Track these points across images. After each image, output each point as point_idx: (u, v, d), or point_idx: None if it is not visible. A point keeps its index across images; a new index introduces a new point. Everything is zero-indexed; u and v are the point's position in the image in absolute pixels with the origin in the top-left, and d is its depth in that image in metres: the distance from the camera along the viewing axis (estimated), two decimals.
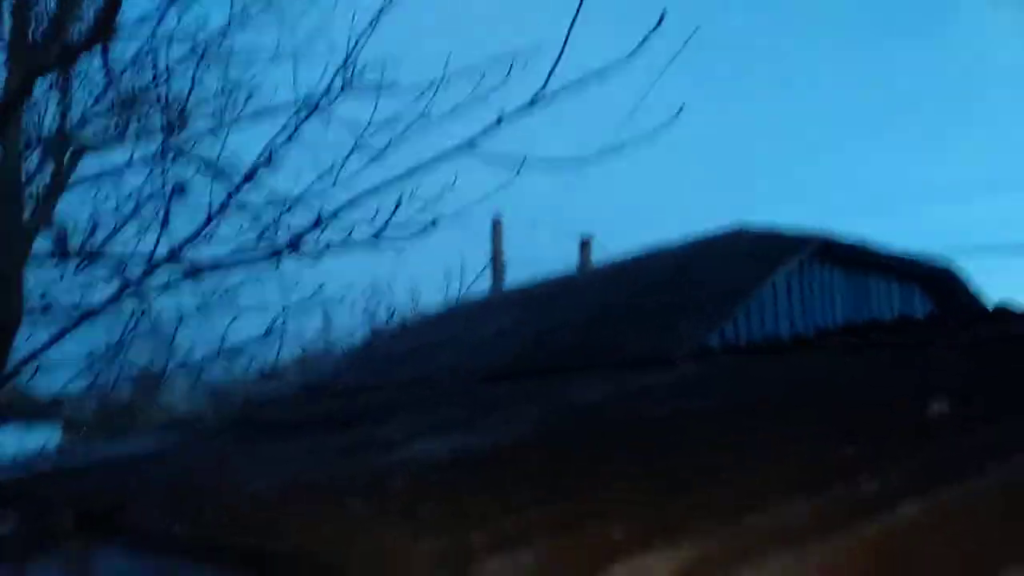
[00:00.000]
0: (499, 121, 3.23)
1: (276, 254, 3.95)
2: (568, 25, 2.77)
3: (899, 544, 1.07)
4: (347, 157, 4.38)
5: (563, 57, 2.88)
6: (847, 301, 10.00)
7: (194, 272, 4.40)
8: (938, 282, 10.90)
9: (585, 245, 17.15)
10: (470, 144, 3.31)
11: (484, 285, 17.82)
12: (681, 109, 2.94)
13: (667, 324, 7.86)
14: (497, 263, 18.13)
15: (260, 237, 4.30)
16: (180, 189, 4.45)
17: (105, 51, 3.73)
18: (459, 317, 12.68)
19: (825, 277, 9.80)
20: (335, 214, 3.81)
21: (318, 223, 3.77)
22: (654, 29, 2.70)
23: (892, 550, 1.06)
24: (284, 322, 4.36)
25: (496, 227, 18.14)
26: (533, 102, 3.09)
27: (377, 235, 3.89)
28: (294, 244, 3.86)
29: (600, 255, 17.50)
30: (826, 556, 1.02)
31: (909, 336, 4.58)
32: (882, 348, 4.54)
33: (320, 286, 4.57)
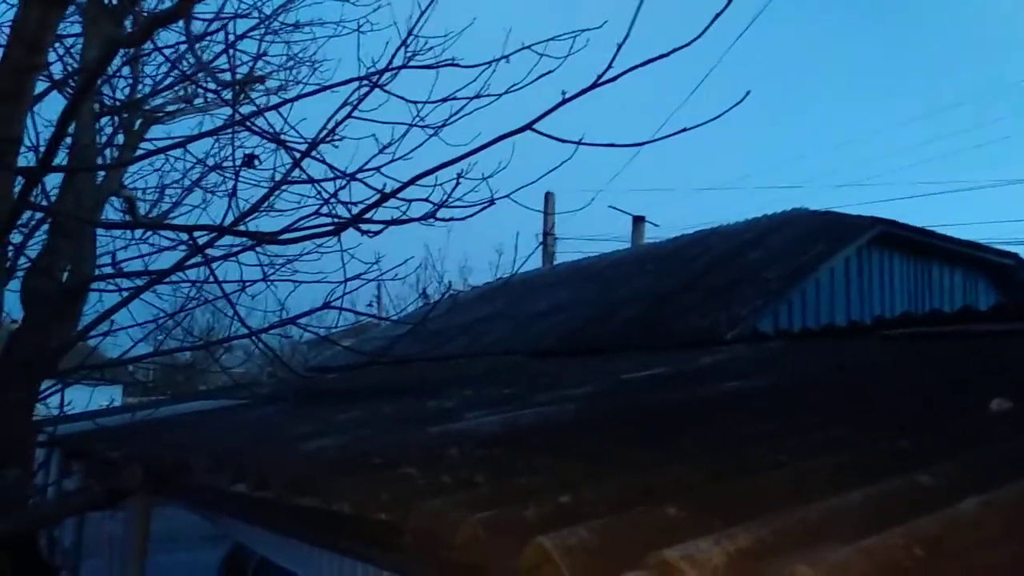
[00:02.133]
0: (563, 101, 3.21)
1: (338, 227, 4.01)
2: (634, 8, 2.74)
3: (956, 540, 1.07)
4: (405, 133, 4.41)
5: (626, 37, 2.85)
6: (908, 289, 9.77)
7: (256, 242, 4.50)
8: (1005, 272, 10.56)
9: (639, 223, 16.98)
10: (530, 125, 3.31)
11: (536, 262, 17.84)
12: (747, 95, 2.90)
13: (721, 305, 7.79)
14: (548, 239, 18.09)
15: (320, 210, 4.36)
16: (250, 159, 4.53)
17: (187, 24, 3.79)
18: (511, 292, 12.75)
19: (885, 264, 9.58)
20: (396, 191, 3.84)
21: (382, 199, 3.80)
22: (723, 10, 2.65)
23: (948, 546, 1.06)
24: (343, 293, 4.44)
25: (548, 200, 18.08)
26: (597, 83, 3.07)
27: (435, 211, 3.92)
28: (356, 218, 3.91)
29: (654, 233, 17.36)
30: (881, 550, 1.02)
31: (972, 327, 4.47)
32: (944, 339, 4.45)
33: (377, 259, 4.64)
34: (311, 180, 4.46)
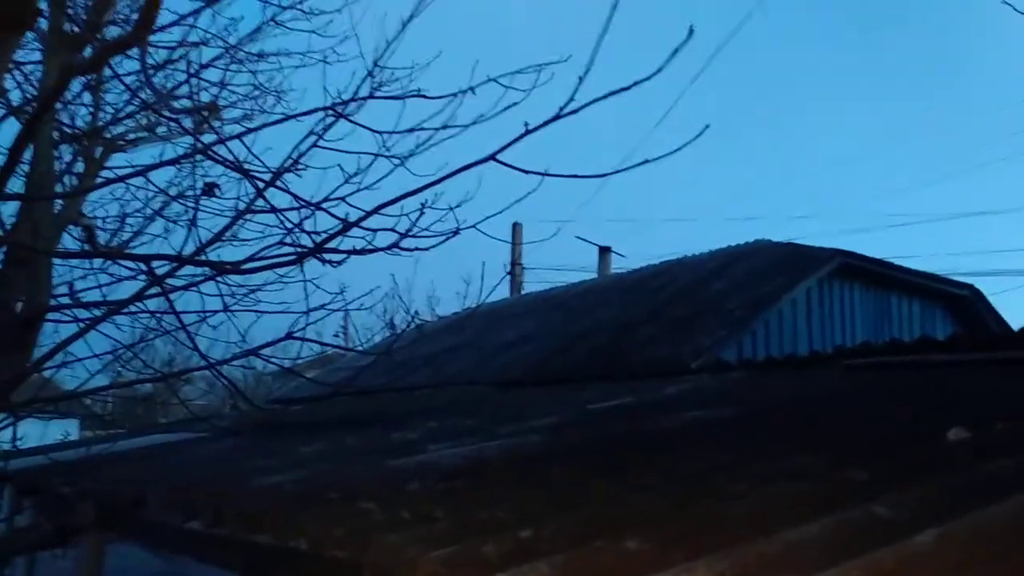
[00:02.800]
0: (524, 133, 3.23)
1: (300, 257, 3.97)
2: (596, 39, 2.78)
3: (912, 573, 1.06)
4: (371, 163, 4.40)
5: (588, 70, 2.88)
6: (868, 319, 9.92)
7: (217, 272, 4.43)
8: (961, 303, 10.78)
9: (605, 253, 17.08)
10: (494, 155, 3.32)
11: (503, 292, 17.84)
12: (706, 128, 2.94)
13: (685, 335, 7.85)
14: (516, 269, 18.11)
15: (283, 240, 4.32)
16: (211, 188, 4.47)
17: (143, 52, 3.76)
18: (477, 322, 12.73)
19: (846, 294, 9.74)
20: (359, 220, 3.82)
21: (345, 228, 3.77)
22: (683, 44, 2.69)
23: None
24: (306, 324, 4.38)
25: (516, 231, 18.13)
26: (559, 115, 3.09)
27: (399, 241, 3.89)
28: (318, 248, 3.87)
29: (621, 264, 17.46)
30: None
31: (930, 357, 4.53)
32: (902, 368, 4.51)
33: (342, 289, 4.59)
34: (274, 210, 4.42)
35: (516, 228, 18.17)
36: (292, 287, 4.73)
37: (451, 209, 4.12)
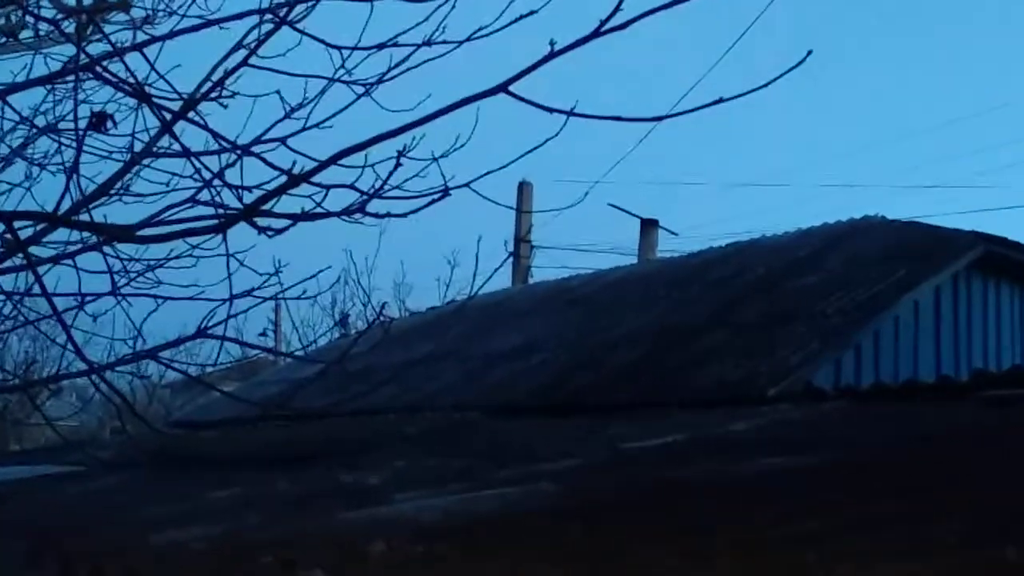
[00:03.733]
0: (548, 56, 3.22)
1: (222, 222, 3.98)
2: None
3: None
4: (324, 91, 4.40)
5: None
6: (1020, 332, 9.90)
7: (105, 239, 4.45)
8: None
9: (649, 228, 17.05)
10: (505, 85, 3.32)
11: (503, 279, 17.85)
12: (809, 55, 2.95)
13: (761, 348, 7.84)
14: (522, 247, 18.12)
15: (198, 196, 4.32)
16: (98, 119, 4.47)
17: None
18: (467, 322, 12.69)
19: (990, 296, 9.71)
20: (308, 172, 3.82)
21: (288, 184, 3.78)
22: None
23: None
24: (227, 316, 4.39)
25: (523, 193, 18.09)
26: (600, 30, 3.08)
27: (363, 203, 3.90)
28: (249, 210, 3.87)
29: (670, 245, 17.51)
30: None
31: None
32: None
33: (278, 269, 4.60)
34: (187, 153, 4.43)
35: (524, 189, 18.19)
36: (208, 264, 4.73)
37: (436, 160, 4.13)
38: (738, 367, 7.56)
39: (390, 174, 3.84)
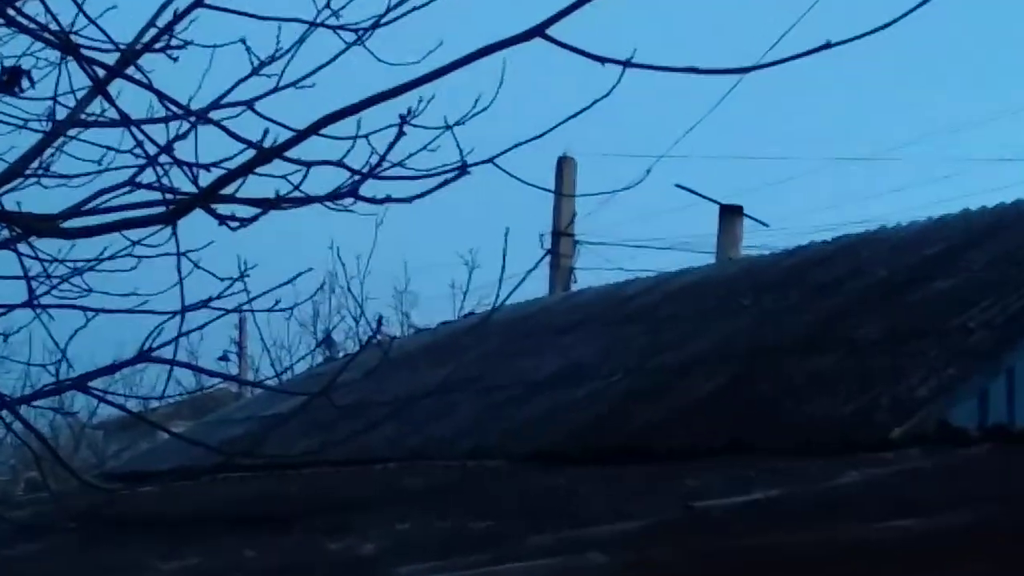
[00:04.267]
0: None
1: (170, 210, 3.99)
2: None
3: None
4: (303, 38, 4.42)
5: None
6: None
7: (18, 232, 4.48)
8: None
9: (730, 217, 16.92)
10: (541, 29, 3.32)
11: (538, 286, 17.81)
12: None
13: (881, 375, 7.76)
14: (562, 242, 18.10)
15: (139, 177, 4.35)
16: (13, 76, 4.51)
17: None
18: (490, 341, 12.64)
19: None
20: (281, 146, 3.83)
21: (257, 160, 3.79)
22: None
23: None
24: (177, 334, 4.40)
25: (564, 171, 18.04)
26: None
27: (356, 185, 3.91)
28: (206, 194, 3.88)
29: (757, 239, 17.43)
30: None
31: None
32: None
33: (243, 272, 4.62)
34: (125, 121, 4.45)
35: (565, 168, 18.17)
36: (153, 266, 4.74)
37: (449, 128, 4.13)
38: (850, 400, 7.51)
39: (390, 147, 3.85)
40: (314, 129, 3.82)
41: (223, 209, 4.01)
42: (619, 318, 11.71)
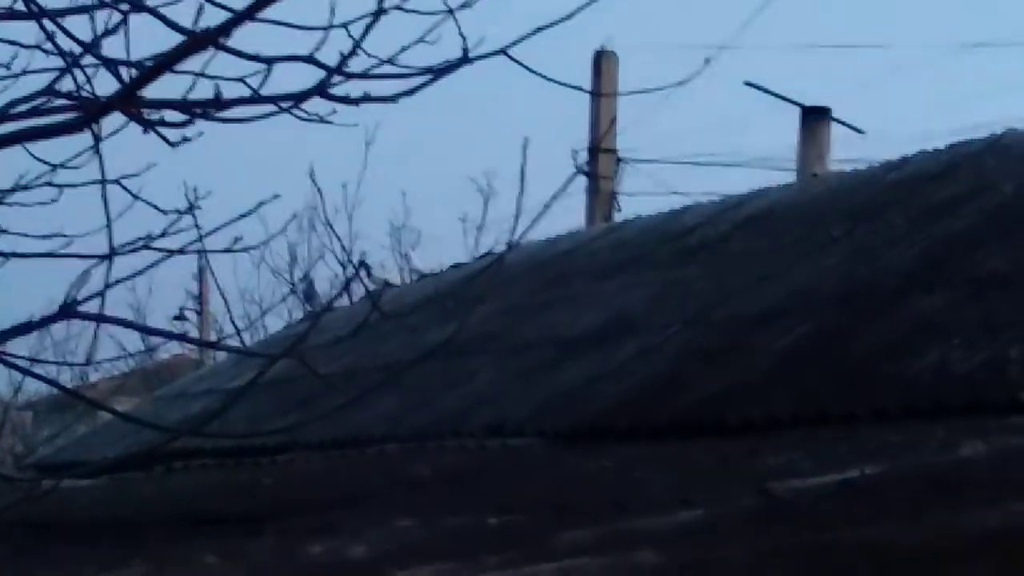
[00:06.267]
0: None
1: (87, 112, 3.97)
2: None
3: None
4: None
5: None
6: None
7: None
8: None
9: (816, 122, 16.78)
10: None
11: (572, 214, 17.80)
12: None
13: (1009, 320, 7.70)
14: (600, 159, 18.10)
15: (57, 83, 4.33)
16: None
17: None
18: (512, 287, 12.58)
19: None
20: (224, 26, 3.79)
21: (191, 46, 3.75)
22: None
23: None
24: (106, 283, 4.39)
25: (603, 67, 17.97)
26: None
27: (326, 83, 3.87)
28: (128, 92, 3.85)
29: (852, 152, 17.35)
30: None
31: None
32: None
33: (193, 204, 4.60)
34: (40, 13, 4.43)
35: (603, 63, 18.12)
36: (75, 193, 4.71)
37: (451, 12, 4.07)
38: (971, 352, 7.49)
39: (366, 31, 3.80)
40: (258, 6, 3.77)
41: (157, 116, 3.99)
42: (675, 256, 11.69)
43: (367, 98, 3.92)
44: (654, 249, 12.27)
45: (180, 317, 35.34)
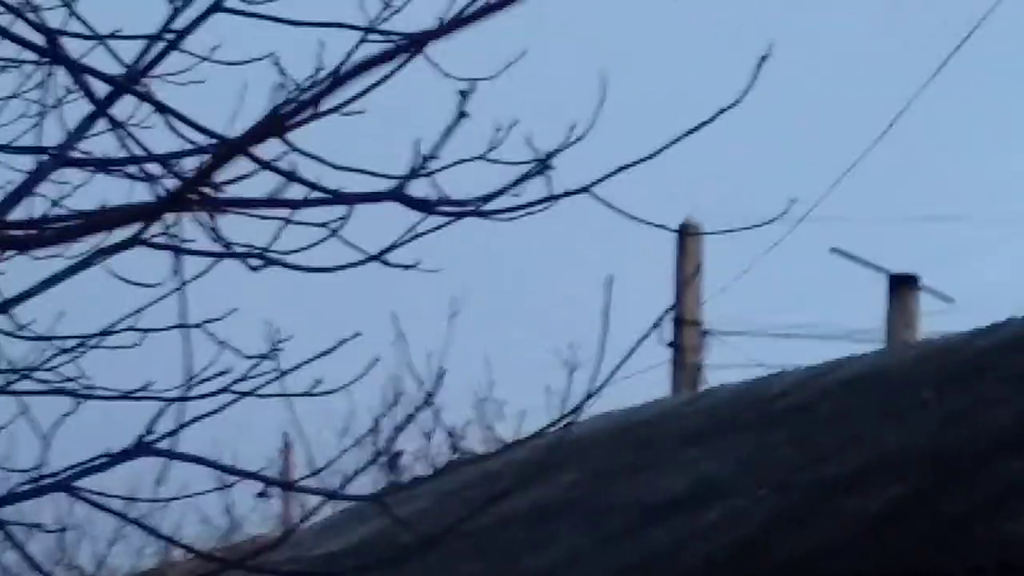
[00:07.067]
0: None
1: (155, 203, 4.00)
2: None
3: None
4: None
5: None
6: None
7: None
8: None
9: (903, 291, 16.71)
10: None
11: (658, 383, 17.73)
12: None
13: None
14: (686, 332, 18.11)
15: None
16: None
17: None
18: (596, 456, 12.49)
19: None
20: (246, 133, 3.80)
21: (225, 153, 3.77)
22: None
23: None
24: (175, 426, 4.37)
25: (686, 241, 18.01)
26: None
27: (401, 184, 3.87)
28: (196, 181, 3.85)
29: (942, 323, 17.23)
30: None
31: None
32: None
33: (275, 346, 4.60)
34: (135, 157, 4.47)
35: (686, 237, 18.15)
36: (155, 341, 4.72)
37: (543, 164, 4.08)
38: None
39: (447, 133, 3.80)
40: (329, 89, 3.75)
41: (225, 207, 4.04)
42: (762, 422, 11.59)
43: (462, 207, 3.92)
44: (740, 415, 12.18)
45: (263, 495, 35.09)
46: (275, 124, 3.74)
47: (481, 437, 22.36)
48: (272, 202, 4.01)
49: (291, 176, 3.92)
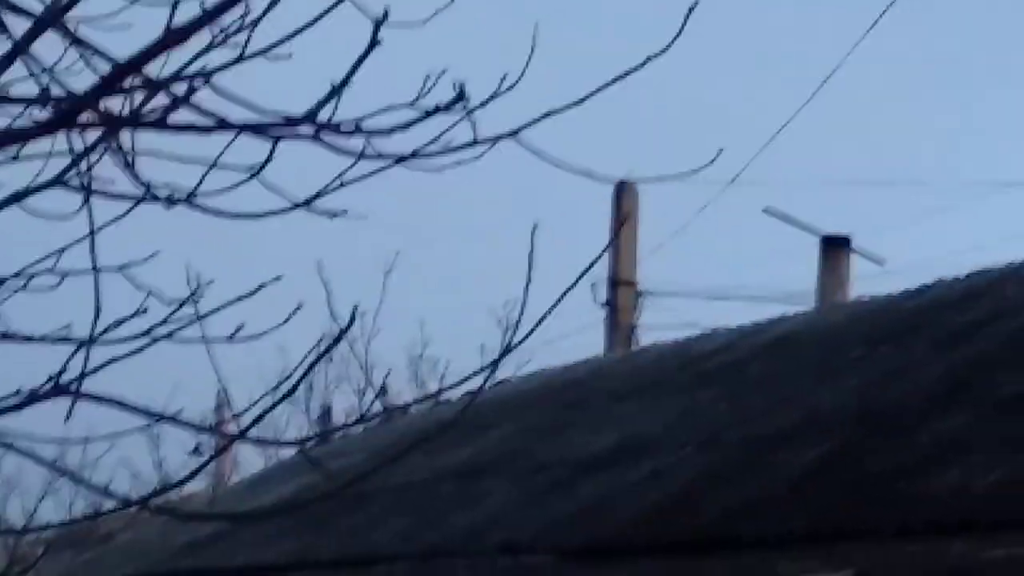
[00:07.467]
0: None
1: (53, 117, 3.95)
2: None
3: None
4: None
5: None
6: None
7: None
8: None
9: (835, 253, 16.78)
10: None
11: (591, 340, 17.76)
12: None
13: None
14: (622, 290, 18.14)
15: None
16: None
17: None
18: (528, 414, 12.49)
19: None
20: (142, 50, 3.76)
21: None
22: None
23: None
24: (81, 374, 4.32)
25: (623, 198, 18.04)
26: None
27: (314, 111, 3.83)
28: (88, 100, 3.81)
29: (872, 284, 17.33)
30: None
31: None
32: None
33: (196, 289, 4.56)
34: None
35: (624, 194, 18.14)
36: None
37: (468, 109, 4.05)
38: (993, 470, 7.42)
39: (358, 62, 3.77)
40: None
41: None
42: (693, 381, 11.63)
43: (368, 132, 3.89)
44: (671, 374, 12.22)
45: (196, 451, 35.04)
46: (170, 39, 3.71)
47: (414, 395, 22.39)
48: (173, 126, 3.96)
49: (186, 100, 3.86)
